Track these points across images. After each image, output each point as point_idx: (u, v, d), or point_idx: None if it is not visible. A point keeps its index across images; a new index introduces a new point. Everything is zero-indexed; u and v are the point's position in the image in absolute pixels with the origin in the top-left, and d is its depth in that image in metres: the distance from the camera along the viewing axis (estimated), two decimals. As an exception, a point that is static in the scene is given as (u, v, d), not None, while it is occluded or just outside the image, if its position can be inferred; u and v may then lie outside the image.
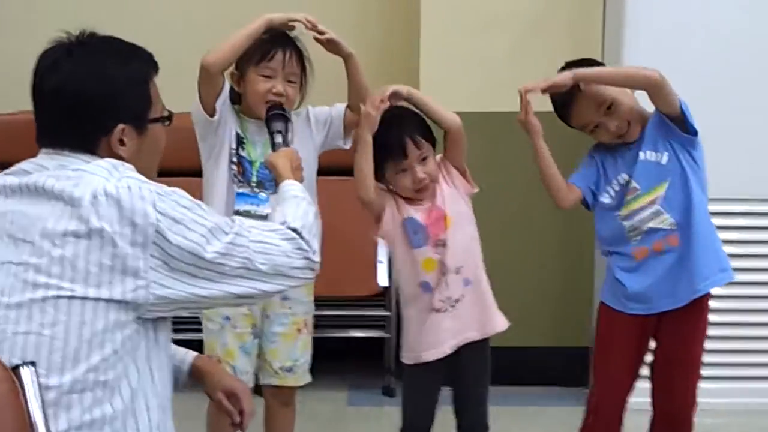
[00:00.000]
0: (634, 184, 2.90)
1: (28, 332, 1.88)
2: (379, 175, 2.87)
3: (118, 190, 1.91)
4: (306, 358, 3.12)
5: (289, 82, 2.94)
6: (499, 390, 3.14)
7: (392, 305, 4.11)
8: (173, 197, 1.96)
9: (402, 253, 2.90)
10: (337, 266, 3.41)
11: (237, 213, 2.90)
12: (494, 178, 3.85)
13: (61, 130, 2.01)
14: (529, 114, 2.87)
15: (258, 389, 3.19)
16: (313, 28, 2.92)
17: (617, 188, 2.94)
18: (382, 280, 4.04)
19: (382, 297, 4.16)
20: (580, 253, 4.08)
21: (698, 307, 2.93)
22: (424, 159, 2.85)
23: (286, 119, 2.85)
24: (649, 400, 3.02)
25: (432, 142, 2.89)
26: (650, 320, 2.95)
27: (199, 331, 3.09)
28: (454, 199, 2.90)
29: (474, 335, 2.90)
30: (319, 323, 3.23)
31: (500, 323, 2.94)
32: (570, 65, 2.91)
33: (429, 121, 2.90)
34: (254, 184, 2.96)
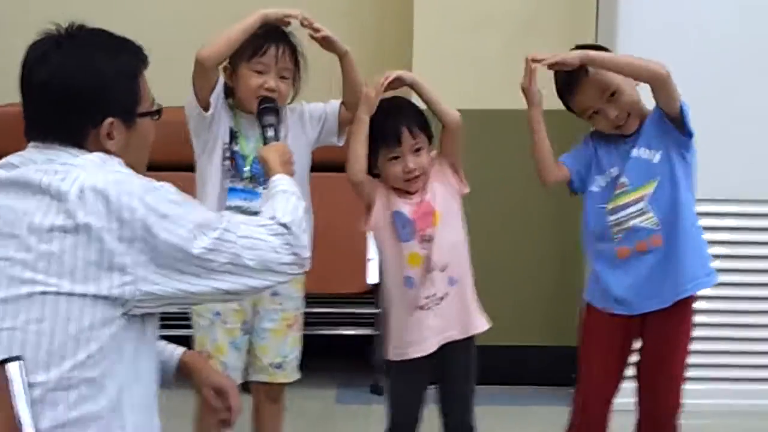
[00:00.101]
0: (623, 179, 2.90)
1: (13, 328, 1.87)
2: (372, 163, 2.87)
3: (105, 185, 1.90)
4: (296, 355, 3.12)
5: (282, 77, 2.93)
6: (486, 389, 3.14)
7: (382, 303, 4.09)
8: (161, 192, 1.95)
9: (389, 246, 2.90)
10: (327, 263, 3.40)
11: (229, 209, 2.89)
12: (487, 176, 3.85)
13: (50, 123, 2.00)
14: (532, 82, 2.87)
15: (246, 386, 3.18)
16: (309, 25, 2.92)
17: (607, 180, 2.93)
18: (372, 277, 4.04)
19: (372, 294, 4.15)
20: (571, 253, 4.07)
21: (683, 308, 2.92)
22: (417, 150, 2.85)
23: (277, 113, 2.85)
24: (634, 400, 3.02)
25: (428, 136, 2.89)
26: (634, 320, 2.94)
27: (189, 327, 3.08)
28: (444, 196, 2.90)
29: (455, 334, 2.90)
30: (309, 320, 3.22)
31: (481, 324, 2.94)
32: (581, 47, 2.90)
33: (428, 118, 2.90)
34: (247, 179, 2.96)
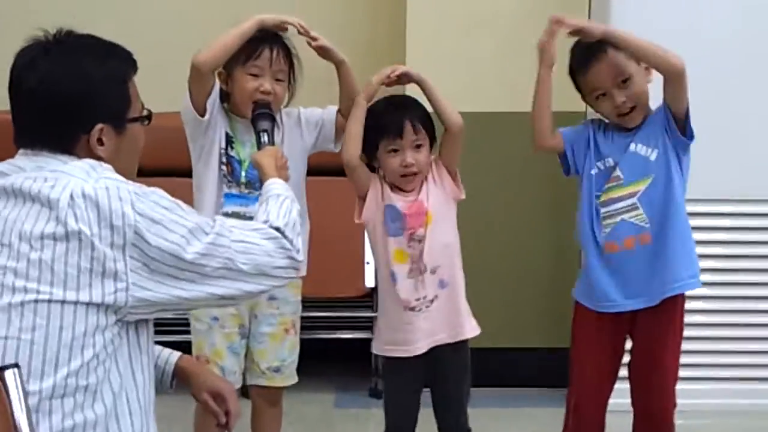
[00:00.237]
0: (618, 172, 2.90)
1: (6, 337, 1.86)
2: (372, 155, 2.88)
3: (95, 191, 1.89)
4: (293, 358, 3.11)
5: (277, 80, 2.93)
6: (480, 391, 3.14)
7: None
8: (152, 197, 1.95)
9: (378, 240, 2.91)
10: (325, 267, 3.40)
11: (226, 215, 2.89)
12: (480, 178, 3.85)
13: (39, 130, 1.99)
14: (550, 41, 2.86)
15: (245, 390, 3.19)
16: (306, 33, 2.93)
17: (602, 168, 2.92)
18: (370, 280, 4.04)
19: (370, 298, 4.15)
20: (564, 254, 4.07)
21: (671, 307, 2.92)
22: (418, 146, 2.86)
23: (273, 118, 2.85)
24: (630, 401, 3.02)
25: (431, 135, 2.90)
26: (624, 319, 2.94)
27: (187, 332, 3.08)
28: (439, 199, 2.90)
29: (445, 338, 2.90)
30: (306, 324, 3.22)
31: (471, 329, 2.94)
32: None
33: (433, 121, 2.91)
34: (243, 185, 2.96)
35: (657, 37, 2.84)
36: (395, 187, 2.90)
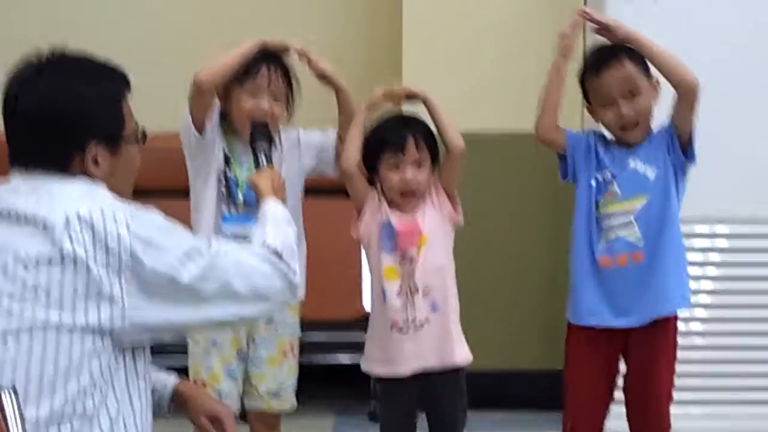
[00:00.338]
0: (615, 187, 2.90)
1: (2, 362, 1.84)
2: (372, 170, 2.89)
3: (90, 213, 1.88)
4: (292, 382, 3.10)
5: (275, 99, 2.94)
6: (477, 414, 3.12)
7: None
8: (148, 219, 1.94)
9: (372, 254, 2.92)
10: (322, 289, 3.40)
11: (225, 236, 2.88)
12: (477, 198, 3.85)
13: (34, 151, 1.98)
14: (572, 32, 2.88)
15: (244, 415, 3.17)
16: (307, 58, 2.94)
17: (600, 181, 2.92)
18: (367, 303, 4.03)
19: (367, 320, 4.13)
20: (559, 276, 4.07)
21: (665, 327, 2.92)
22: (419, 165, 2.87)
23: (270, 138, 2.85)
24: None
25: (433, 155, 2.90)
26: (617, 338, 2.93)
27: (184, 355, 3.07)
28: (435, 221, 2.90)
29: (433, 363, 2.88)
30: (305, 348, 3.21)
31: (462, 357, 2.91)
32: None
33: (438, 144, 2.92)
34: (240, 205, 2.96)
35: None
36: (393, 204, 2.90)
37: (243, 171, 2.95)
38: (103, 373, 1.90)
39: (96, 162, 2.00)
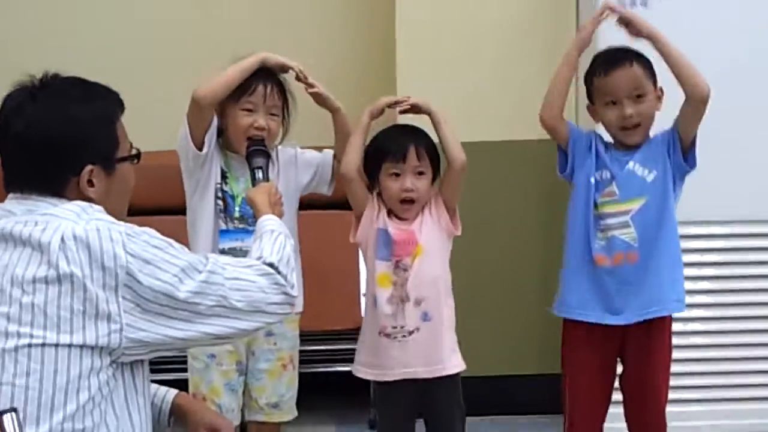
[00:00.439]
0: (614, 187, 2.92)
1: (1, 383, 1.85)
2: (373, 179, 2.90)
3: (86, 233, 1.89)
4: (292, 394, 3.11)
5: (271, 115, 2.94)
6: (475, 420, 3.12)
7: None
8: (143, 237, 1.94)
9: (368, 260, 2.94)
10: (320, 300, 3.41)
11: (222, 252, 2.89)
12: (473, 205, 3.86)
13: (28, 174, 1.99)
14: (593, 24, 2.90)
15: (244, 427, 3.17)
16: (304, 80, 2.96)
17: (599, 179, 2.93)
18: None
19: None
20: (557, 281, 4.08)
21: (660, 327, 2.94)
22: (420, 174, 2.88)
23: (267, 154, 2.86)
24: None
25: (434, 166, 2.92)
26: (613, 337, 2.94)
27: (184, 370, 3.07)
28: (432, 232, 2.91)
29: (421, 372, 2.89)
30: (304, 358, 3.21)
31: (454, 366, 2.92)
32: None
33: (440, 155, 2.94)
34: (237, 219, 2.97)
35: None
36: (392, 213, 2.91)
37: (239, 185, 2.97)
38: (102, 390, 1.90)
39: (91, 183, 2.01)
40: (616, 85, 2.89)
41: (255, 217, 2.43)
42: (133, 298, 1.91)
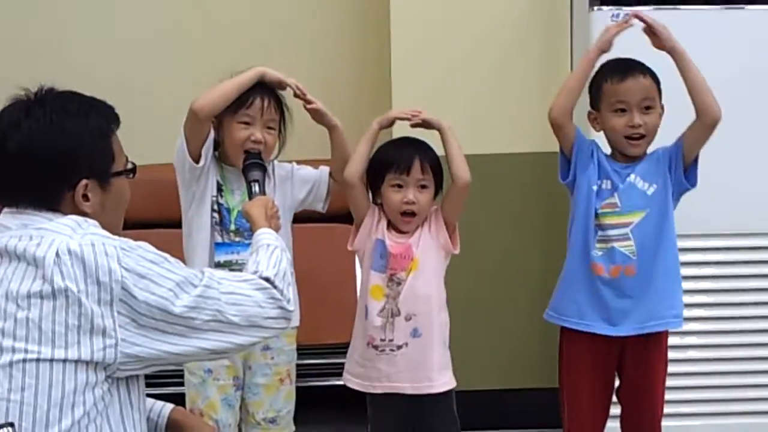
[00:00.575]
0: (615, 198, 2.92)
1: None
2: (375, 190, 2.92)
3: (81, 248, 1.89)
4: (289, 408, 3.10)
5: (268, 128, 2.95)
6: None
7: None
8: (138, 252, 1.94)
9: (363, 270, 2.95)
10: (317, 314, 3.40)
11: (218, 265, 2.89)
12: (470, 218, 3.86)
13: (23, 188, 1.99)
14: (616, 31, 2.91)
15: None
16: (302, 96, 2.96)
17: (601, 188, 2.94)
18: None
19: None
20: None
21: (658, 340, 2.95)
22: (422, 187, 2.88)
23: (264, 168, 2.86)
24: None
25: (437, 180, 2.92)
26: (612, 348, 2.95)
27: (181, 385, 3.06)
28: (430, 249, 2.91)
29: (406, 388, 2.89)
30: (301, 372, 3.21)
31: (441, 384, 2.91)
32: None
33: (444, 171, 2.94)
34: (232, 232, 2.96)
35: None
36: (391, 225, 2.91)
37: (235, 198, 2.97)
38: (97, 406, 1.89)
39: (86, 198, 2.01)
40: (630, 91, 2.90)
41: (251, 231, 2.43)
42: (129, 313, 1.90)
